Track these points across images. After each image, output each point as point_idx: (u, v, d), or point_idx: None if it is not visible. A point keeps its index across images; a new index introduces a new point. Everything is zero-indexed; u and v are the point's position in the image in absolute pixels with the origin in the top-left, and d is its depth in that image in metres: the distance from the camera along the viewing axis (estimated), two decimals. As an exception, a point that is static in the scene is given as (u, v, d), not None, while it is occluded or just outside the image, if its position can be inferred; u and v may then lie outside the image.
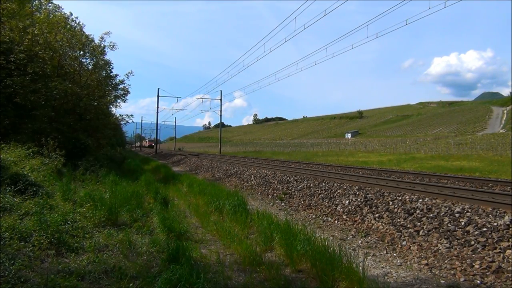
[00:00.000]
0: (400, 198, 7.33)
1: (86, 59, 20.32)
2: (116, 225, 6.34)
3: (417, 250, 5.47)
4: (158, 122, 51.06)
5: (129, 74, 22.07)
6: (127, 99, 23.72)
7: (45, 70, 15.04)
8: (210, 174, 18.93)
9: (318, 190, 9.84)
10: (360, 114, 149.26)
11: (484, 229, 5.28)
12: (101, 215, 6.36)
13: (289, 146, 68.44)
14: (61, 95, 15.10)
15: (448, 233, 5.55)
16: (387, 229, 6.45)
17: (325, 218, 8.06)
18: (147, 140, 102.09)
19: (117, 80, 22.02)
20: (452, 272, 4.63)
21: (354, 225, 7.22)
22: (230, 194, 8.68)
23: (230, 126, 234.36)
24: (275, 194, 11.21)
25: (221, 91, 52.11)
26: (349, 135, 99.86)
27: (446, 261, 4.92)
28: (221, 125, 59.16)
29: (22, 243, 4.39)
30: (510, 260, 4.54)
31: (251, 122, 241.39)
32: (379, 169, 16.14)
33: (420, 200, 6.92)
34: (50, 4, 20.07)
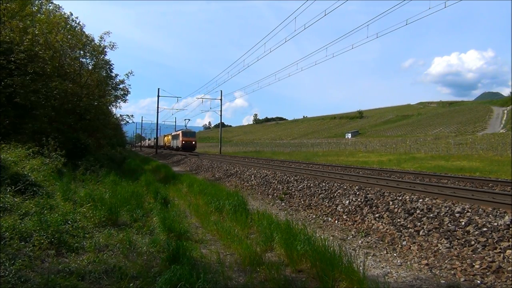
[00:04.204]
0: (400, 198, 7.33)
1: (86, 59, 20.37)
2: (116, 225, 6.34)
3: (417, 250, 5.47)
4: (158, 122, 51.00)
5: (129, 74, 22.14)
6: (127, 99, 23.82)
7: (45, 70, 15.05)
8: (210, 174, 18.93)
9: (318, 190, 9.83)
10: (360, 114, 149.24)
11: (484, 229, 5.28)
12: (101, 215, 6.35)
13: (289, 146, 68.45)
14: (61, 95, 15.12)
15: (448, 233, 5.55)
16: (387, 229, 6.45)
17: (325, 218, 8.06)
18: (179, 132, 48.43)
19: (117, 80, 22.09)
20: (452, 272, 4.63)
21: (354, 225, 7.22)
22: (230, 194, 8.68)
23: (230, 126, 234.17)
24: (275, 194, 11.21)
25: (221, 91, 51.79)
26: (349, 135, 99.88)
27: (446, 261, 4.92)
28: (221, 125, 59.15)
29: (22, 243, 4.39)
30: (510, 260, 4.53)
31: (251, 122, 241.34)
32: (379, 169, 16.13)
33: (420, 200, 6.91)
34: (50, 4, 20.12)
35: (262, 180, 13.26)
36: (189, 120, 55.80)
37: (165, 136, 64.31)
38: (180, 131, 47.99)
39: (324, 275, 3.90)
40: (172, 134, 56.24)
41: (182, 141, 45.34)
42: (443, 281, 4.41)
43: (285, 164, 20.31)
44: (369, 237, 6.40)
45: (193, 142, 46.44)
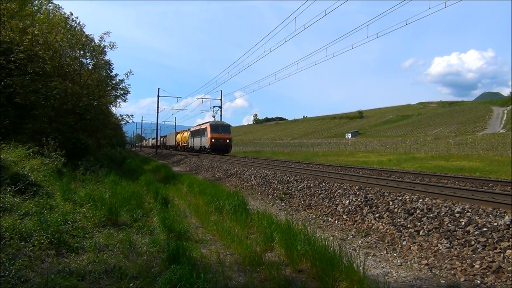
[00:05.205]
0: (400, 198, 7.33)
1: (86, 59, 20.36)
2: (116, 225, 6.34)
3: (417, 250, 5.47)
4: (159, 122, 51.03)
5: (128, 74, 22.08)
6: (127, 99, 23.80)
7: (45, 70, 15.05)
8: (210, 174, 18.93)
9: (318, 190, 9.83)
10: (360, 114, 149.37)
11: (484, 229, 5.28)
12: (101, 215, 6.36)
13: (289, 146, 68.47)
14: (61, 95, 15.12)
15: (448, 233, 5.55)
16: (387, 229, 6.45)
17: (325, 218, 8.06)
18: (205, 126, 32.34)
19: (117, 80, 22.07)
20: (452, 272, 4.63)
21: (354, 225, 7.22)
22: (230, 194, 8.68)
23: (230, 126, 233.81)
24: (275, 194, 11.21)
25: (221, 91, 51.43)
26: (349, 135, 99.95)
27: (446, 261, 4.92)
28: (221, 125, 58.94)
29: (22, 243, 4.39)
30: (510, 260, 4.53)
31: (251, 122, 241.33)
32: (379, 169, 16.13)
33: (420, 200, 6.91)
34: (50, 4, 20.11)
35: (262, 180, 13.26)
36: (219, 107, 37.78)
37: (177, 133, 49.26)
38: (208, 123, 32.15)
39: (324, 275, 3.90)
40: (191, 129, 39.37)
41: (212, 138, 30.26)
42: (443, 281, 4.41)
43: (285, 164, 20.31)
44: (369, 237, 6.40)
45: (228, 140, 31.39)
